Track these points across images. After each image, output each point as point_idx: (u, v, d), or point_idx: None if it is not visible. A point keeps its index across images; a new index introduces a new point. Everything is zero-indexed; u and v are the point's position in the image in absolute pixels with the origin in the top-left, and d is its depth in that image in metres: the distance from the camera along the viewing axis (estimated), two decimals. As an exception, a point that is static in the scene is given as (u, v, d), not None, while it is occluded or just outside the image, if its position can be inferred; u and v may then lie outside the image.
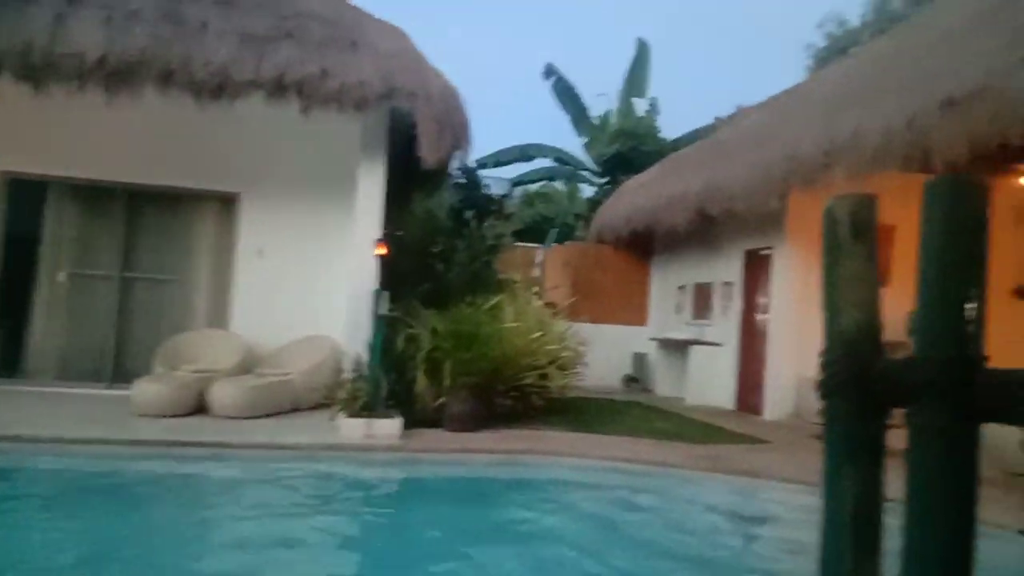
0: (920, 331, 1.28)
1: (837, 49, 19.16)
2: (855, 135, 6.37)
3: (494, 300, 7.29)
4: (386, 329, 6.26)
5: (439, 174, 8.44)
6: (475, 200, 10.82)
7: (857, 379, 1.36)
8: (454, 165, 8.42)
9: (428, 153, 6.66)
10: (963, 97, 5.51)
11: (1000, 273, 8.39)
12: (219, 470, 5.02)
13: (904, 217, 8.36)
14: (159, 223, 7.96)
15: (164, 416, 6.05)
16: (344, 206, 7.53)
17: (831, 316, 1.45)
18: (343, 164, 7.43)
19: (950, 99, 5.57)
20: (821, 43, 20.49)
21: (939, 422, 1.23)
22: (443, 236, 8.07)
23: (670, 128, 15.77)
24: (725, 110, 18.26)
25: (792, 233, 8.27)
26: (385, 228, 7.16)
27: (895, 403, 1.34)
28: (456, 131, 6.82)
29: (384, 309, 6.23)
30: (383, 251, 6.72)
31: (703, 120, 15.59)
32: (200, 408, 6.35)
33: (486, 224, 9.14)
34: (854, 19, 20.46)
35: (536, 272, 13.03)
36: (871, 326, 1.41)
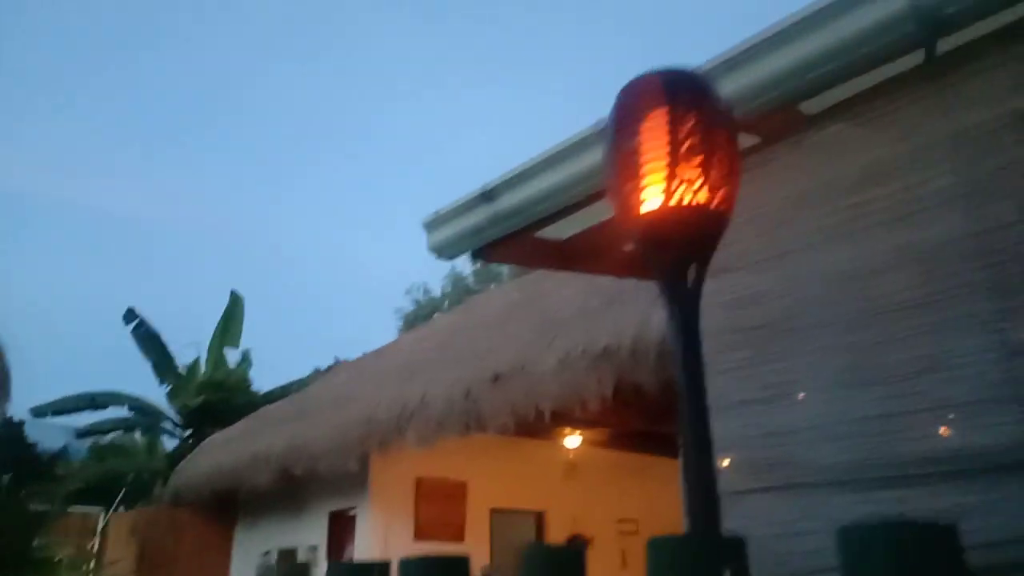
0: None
1: (423, 315, 21.43)
2: (423, 401, 6.93)
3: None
4: None
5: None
6: (17, 460, 9.15)
7: None
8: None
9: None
10: (506, 373, 6.40)
11: (557, 524, 9.45)
12: None
13: (474, 474, 9.09)
14: None
15: None
16: None
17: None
18: None
19: (496, 374, 6.43)
20: (409, 308, 22.75)
21: None
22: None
23: (267, 380, 15.59)
24: (325, 361, 18.77)
25: (374, 494, 8.40)
26: None
27: None
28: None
29: None
30: None
31: (304, 371, 15.77)
32: None
33: (27, 489, 7.71)
34: (436, 289, 23.33)
35: (94, 543, 11.15)
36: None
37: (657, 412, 5.61)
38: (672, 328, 1.38)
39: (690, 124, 1.31)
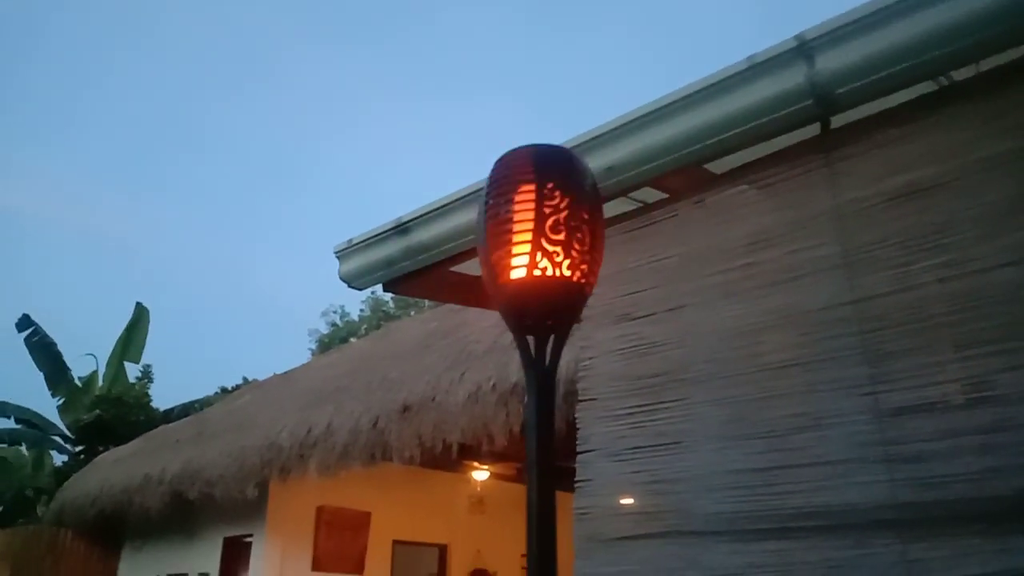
0: None
1: (339, 338, 21.04)
2: (329, 428, 6.79)
3: None
4: None
5: None
6: None
7: None
8: None
9: None
10: (416, 404, 6.35)
11: (461, 557, 9.35)
12: None
13: (378, 504, 8.92)
14: None
15: None
16: None
17: None
18: None
19: (405, 405, 6.37)
20: (324, 330, 22.29)
21: None
22: None
23: (169, 398, 14.97)
24: (233, 381, 18.16)
25: (272, 521, 8.14)
26: None
27: None
28: None
29: None
30: None
31: (209, 390, 15.20)
32: None
33: None
34: (355, 313, 22.96)
35: (-38, 564, 10.37)
36: None
37: (563, 448, 5.67)
38: (528, 393, 1.44)
39: (555, 201, 1.39)
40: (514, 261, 1.39)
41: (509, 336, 6.32)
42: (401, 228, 2.90)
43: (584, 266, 1.41)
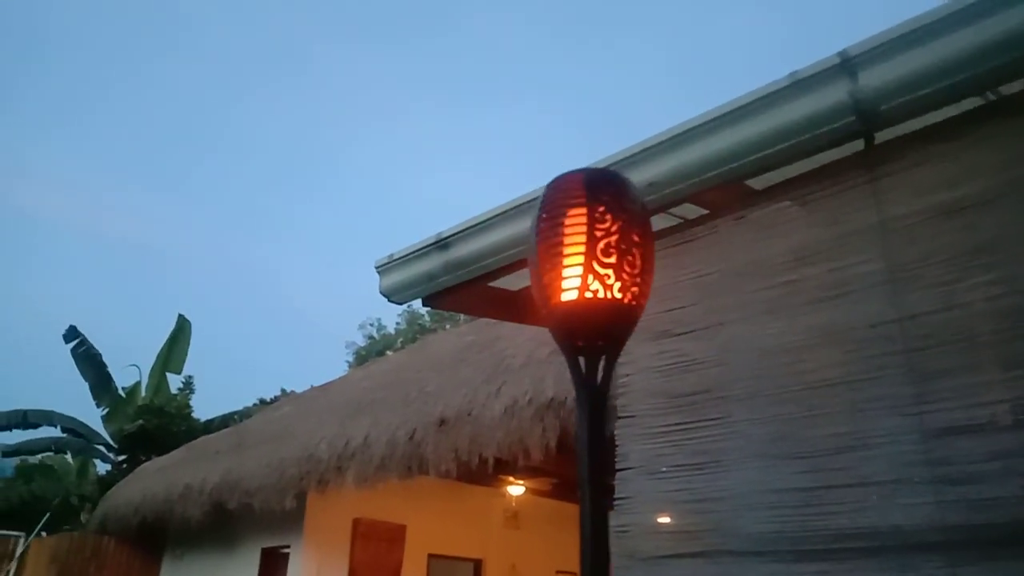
0: None
1: (375, 350, 21.20)
2: (366, 441, 6.84)
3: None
4: None
5: None
6: (-66, 478, 8.74)
7: None
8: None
9: None
10: (452, 417, 6.37)
11: (496, 572, 9.32)
12: None
13: (413, 517, 8.95)
14: None
15: None
16: None
17: None
18: None
19: (442, 418, 6.39)
20: (361, 342, 22.48)
21: None
22: None
23: (209, 408, 15.24)
24: (271, 392, 18.40)
25: (309, 532, 8.20)
26: None
27: None
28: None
29: None
30: None
31: (247, 401, 15.41)
32: None
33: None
34: (391, 326, 23.13)
35: (10, 570, 10.64)
36: None
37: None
38: (579, 413, 1.45)
39: (606, 224, 1.41)
40: (566, 284, 1.42)
41: (545, 350, 6.32)
42: (441, 243, 2.93)
43: (635, 288, 1.43)
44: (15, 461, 16.01)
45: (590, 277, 1.40)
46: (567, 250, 1.41)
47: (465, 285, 3.00)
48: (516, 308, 3.34)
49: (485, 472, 7.07)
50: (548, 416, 5.53)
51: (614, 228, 1.41)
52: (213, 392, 16.85)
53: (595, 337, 1.45)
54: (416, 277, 3.05)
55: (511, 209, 2.69)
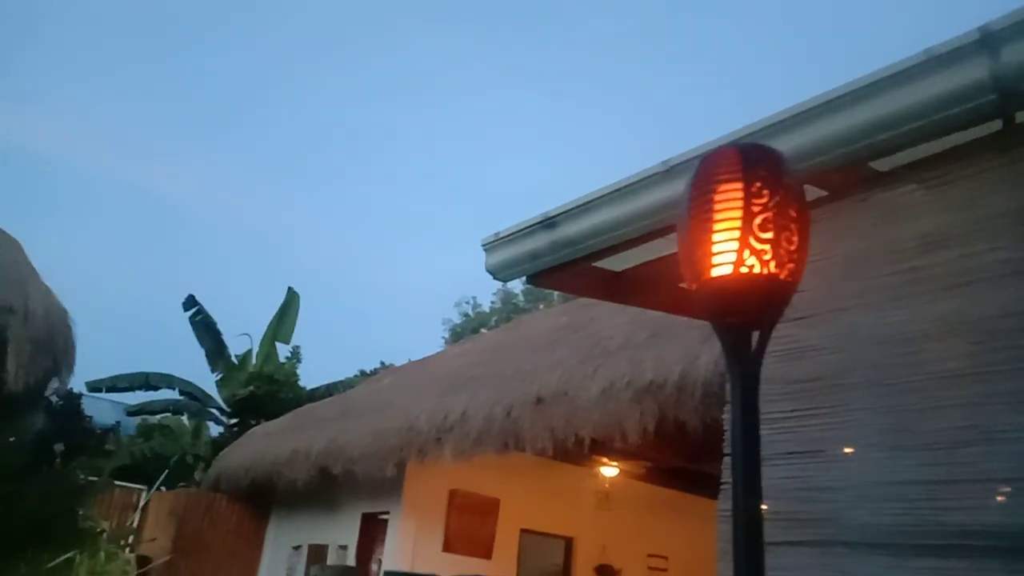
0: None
1: (471, 328, 21.58)
2: (464, 416, 7.00)
3: (66, 555, 6.21)
4: None
5: (28, 398, 7.37)
6: (71, 431, 9.52)
7: None
8: (51, 389, 7.47)
9: (14, 376, 5.90)
10: (548, 396, 6.43)
11: (586, 551, 9.39)
12: None
13: (507, 492, 9.08)
14: None
15: None
16: None
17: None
18: None
19: (539, 397, 6.46)
20: (457, 320, 22.90)
21: None
22: (12, 473, 6.82)
23: (313, 378, 15.88)
24: (371, 364, 19.02)
25: (407, 501, 8.49)
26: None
27: None
28: (57, 354, 6.21)
29: None
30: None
31: (349, 371, 15.99)
32: None
33: (77, 461, 8.00)
34: (486, 304, 23.45)
35: (134, 520, 11.48)
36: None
37: (698, 451, 5.56)
38: (732, 389, 1.43)
39: (764, 200, 1.38)
40: (718, 259, 1.41)
41: (644, 333, 6.25)
42: (548, 222, 2.95)
43: (791, 264, 1.40)
44: (137, 420, 17.18)
45: (746, 252, 1.38)
46: (720, 225, 1.39)
47: (569, 264, 3.02)
48: (619, 289, 3.33)
49: (580, 452, 7.12)
50: (647, 400, 5.50)
51: (771, 204, 1.38)
52: (318, 362, 17.56)
53: (750, 312, 1.43)
54: (521, 255, 3.08)
55: (617, 190, 2.68)
